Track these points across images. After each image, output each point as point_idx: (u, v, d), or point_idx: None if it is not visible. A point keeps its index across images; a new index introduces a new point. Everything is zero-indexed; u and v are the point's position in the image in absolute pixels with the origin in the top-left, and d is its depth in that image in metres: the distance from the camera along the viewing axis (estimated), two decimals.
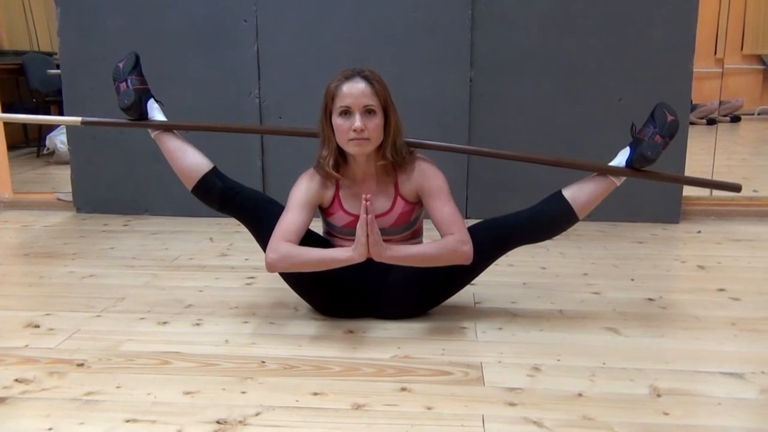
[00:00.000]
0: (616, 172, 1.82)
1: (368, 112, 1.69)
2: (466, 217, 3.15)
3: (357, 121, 1.67)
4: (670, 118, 1.78)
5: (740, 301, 2.08)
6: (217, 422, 1.36)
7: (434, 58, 3.05)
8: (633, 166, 1.80)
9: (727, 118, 6.92)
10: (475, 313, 1.98)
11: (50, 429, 1.33)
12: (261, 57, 3.11)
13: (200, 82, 3.14)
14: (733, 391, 1.50)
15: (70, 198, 3.35)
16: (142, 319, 1.93)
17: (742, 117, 7.09)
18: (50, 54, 5.66)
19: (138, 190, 3.27)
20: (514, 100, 3.07)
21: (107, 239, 2.84)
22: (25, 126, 5.60)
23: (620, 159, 1.83)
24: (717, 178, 3.63)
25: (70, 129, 3.38)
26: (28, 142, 5.60)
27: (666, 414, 1.39)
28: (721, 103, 6.37)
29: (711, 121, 6.33)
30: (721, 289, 2.18)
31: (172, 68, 3.11)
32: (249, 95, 3.13)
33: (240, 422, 1.36)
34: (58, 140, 4.67)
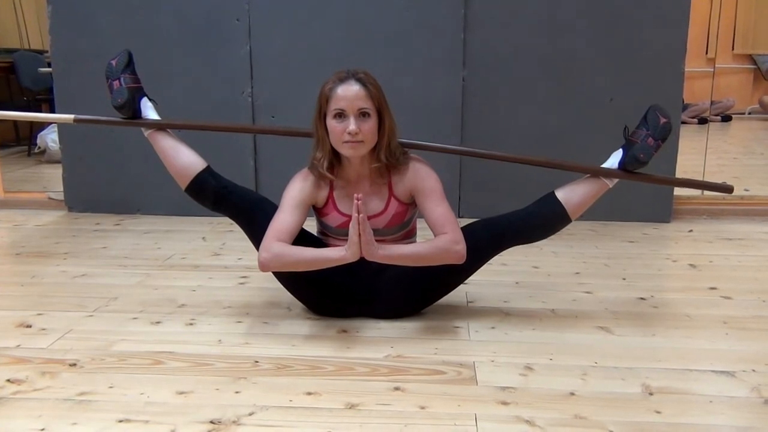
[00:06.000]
0: (608, 174, 1.83)
1: (362, 114, 1.69)
2: (459, 217, 3.16)
3: (351, 124, 1.66)
4: (662, 120, 1.79)
5: (731, 299, 2.09)
6: (211, 422, 1.36)
7: (427, 58, 3.05)
8: (625, 168, 1.81)
9: (718, 118, 6.96)
10: (468, 312, 1.99)
11: (42, 429, 1.33)
12: (253, 56, 3.10)
13: (193, 81, 3.13)
14: (724, 389, 1.51)
15: (61, 197, 3.33)
16: (135, 318, 1.92)
17: (733, 116, 7.13)
18: (40, 52, 5.63)
19: (130, 189, 3.26)
20: (507, 100, 3.08)
21: (99, 238, 2.83)
22: (15, 124, 5.57)
23: (613, 161, 1.84)
24: (708, 178, 3.66)
25: (62, 128, 3.36)
26: (19, 141, 5.56)
27: (658, 412, 1.40)
28: (712, 102, 6.40)
29: (702, 121, 6.36)
30: (712, 288, 2.20)
31: (164, 67, 3.09)
32: (242, 94, 3.13)
33: (234, 422, 1.36)
34: (49, 139, 4.65)
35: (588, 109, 3.05)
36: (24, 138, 5.41)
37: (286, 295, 1.96)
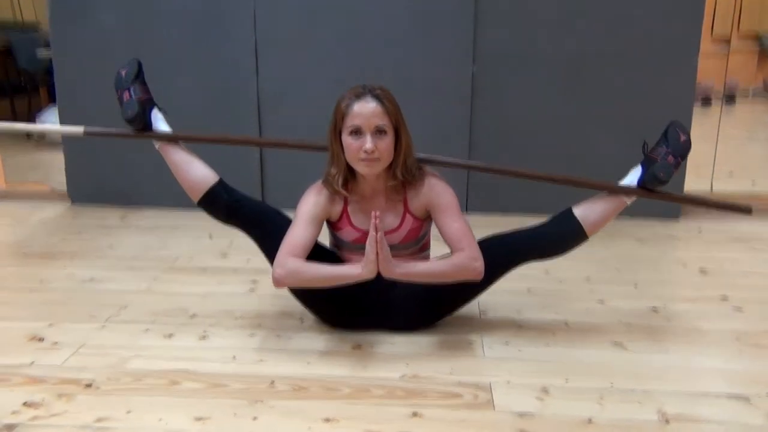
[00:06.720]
0: (627, 191, 1.81)
1: (379, 132, 1.65)
2: (466, 212, 3.14)
3: (368, 143, 1.63)
4: (683, 138, 1.76)
5: (743, 311, 2.09)
6: None
7: (436, 52, 3.00)
8: (645, 186, 1.79)
9: (724, 100, 6.88)
10: (481, 324, 1.98)
11: None
12: (259, 45, 3.04)
13: (198, 71, 3.08)
14: (739, 416, 1.51)
15: (64, 188, 3.29)
16: (147, 330, 1.91)
17: (737, 97, 7.06)
18: (35, 27, 5.50)
19: (134, 180, 3.23)
20: (517, 95, 3.04)
21: (105, 236, 2.80)
22: (12, 104, 5.50)
23: (631, 178, 1.82)
24: (716, 168, 3.64)
25: (63, 116, 3.29)
26: (16, 119, 5.49)
27: None
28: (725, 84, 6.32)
29: (706, 101, 6.30)
30: (723, 298, 2.19)
31: (168, 57, 3.04)
32: (247, 84, 3.07)
33: None
34: (49, 123, 4.58)
35: (600, 103, 3.01)
36: (20, 114, 5.34)
37: (297, 305, 1.95)
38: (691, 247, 2.76)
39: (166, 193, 3.17)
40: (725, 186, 3.47)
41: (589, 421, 1.48)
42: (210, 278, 2.34)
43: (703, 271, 2.45)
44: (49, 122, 4.59)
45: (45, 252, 2.61)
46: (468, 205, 3.16)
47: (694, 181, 3.29)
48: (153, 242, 2.73)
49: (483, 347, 1.83)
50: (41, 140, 4.79)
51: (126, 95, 1.84)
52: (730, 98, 7.02)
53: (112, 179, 3.25)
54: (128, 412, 1.50)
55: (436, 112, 3.02)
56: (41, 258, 2.54)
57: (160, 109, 1.92)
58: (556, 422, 1.48)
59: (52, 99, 5.10)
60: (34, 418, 1.47)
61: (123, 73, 1.87)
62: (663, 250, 2.71)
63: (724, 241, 2.81)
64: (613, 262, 2.53)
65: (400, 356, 1.77)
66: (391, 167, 1.73)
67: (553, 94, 3.02)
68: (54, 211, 3.18)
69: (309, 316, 1.98)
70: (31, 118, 5.08)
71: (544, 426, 1.46)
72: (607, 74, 2.98)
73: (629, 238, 2.83)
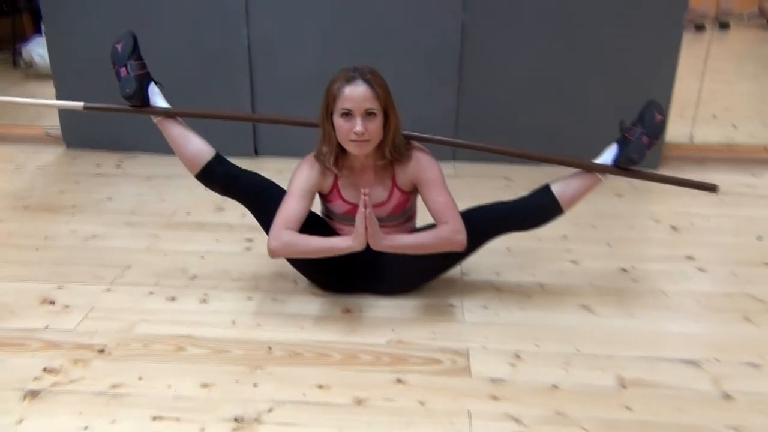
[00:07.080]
0: (602, 170, 1.91)
1: (369, 114, 1.73)
2: (453, 160, 3.24)
3: (358, 125, 1.71)
4: (658, 118, 1.85)
5: (706, 272, 2.25)
6: (235, 419, 1.52)
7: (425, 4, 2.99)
8: (619, 165, 1.89)
9: (717, 26, 6.80)
10: (462, 286, 2.13)
11: (86, 428, 1.49)
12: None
13: (186, 21, 3.05)
14: (689, 381, 1.68)
15: (58, 132, 3.33)
16: (151, 293, 2.05)
17: (731, 23, 6.98)
18: None
19: (128, 125, 3.24)
20: (508, 47, 3.06)
21: (102, 186, 2.89)
22: None
23: (607, 156, 1.92)
24: (701, 108, 3.69)
25: (53, 53, 3.28)
26: (1, 45, 5.40)
27: (629, 409, 1.58)
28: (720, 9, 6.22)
29: (700, 27, 6.24)
30: (689, 257, 2.35)
31: (156, 7, 3.00)
32: (237, 35, 3.06)
33: (255, 419, 1.52)
34: (36, 53, 4.53)
35: (589, 57, 3.05)
36: (5, 41, 5.24)
37: (291, 266, 2.08)
38: (666, 200, 2.89)
39: (161, 139, 3.22)
40: (706, 133, 3.55)
41: (554, 387, 1.66)
42: (207, 235, 2.45)
43: (673, 228, 2.60)
44: (35, 53, 4.55)
45: (46, 204, 2.70)
46: (456, 153, 3.24)
47: (677, 125, 3.37)
48: (150, 194, 2.82)
49: (463, 311, 1.99)
50: (29, 69, 4.73)
51: (123, 71, 1.88)
52: (724, 25, 6.95)
53: (106, 123, 3.27)
54: (139, 378, 1.66)
55: (424, 61, 3.04)
56: (43, 212, 2.63)
57: (156, 84, 1.96)
58: (525, 388, 1.65)
59: (35, 25, 5.01)
60: (55, 384, 1.63)
61: (119, 47, 1.90)
62: (638, 205, 2.84)
63: (698, 194, 2.90)
64: (590, 218, 2.66)
65: (387, 321, 1.93)
66: (380, 147, 1.82)
67: (546, 45, 3.04)
68: (50, 156, 3.24)
69: (302, 279, 2.12)
70: (15, 42, 5.00)
71: (514, 392, 1.64)
72: (600, 26, 3.00)
73: (607, 191, 2.94)
